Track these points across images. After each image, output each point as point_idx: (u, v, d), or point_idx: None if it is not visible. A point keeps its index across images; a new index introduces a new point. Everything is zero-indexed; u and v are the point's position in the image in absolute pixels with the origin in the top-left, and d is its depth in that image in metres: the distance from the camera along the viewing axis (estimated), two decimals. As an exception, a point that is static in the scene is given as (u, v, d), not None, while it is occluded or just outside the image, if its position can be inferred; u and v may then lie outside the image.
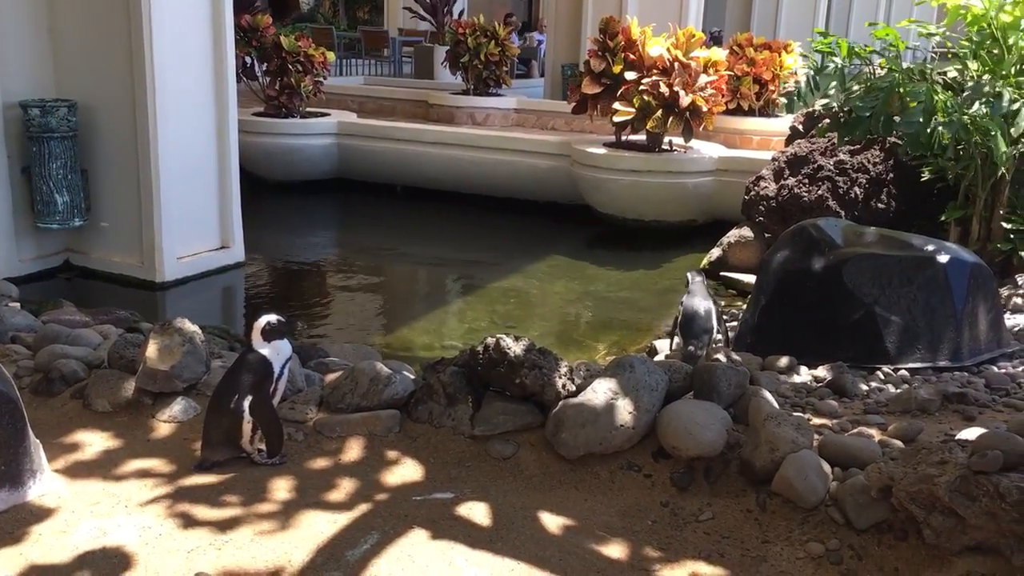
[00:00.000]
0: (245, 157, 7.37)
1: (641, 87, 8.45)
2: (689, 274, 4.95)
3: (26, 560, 2.63)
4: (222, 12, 6.63)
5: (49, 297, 5.77)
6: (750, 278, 6.73)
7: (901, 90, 5.00)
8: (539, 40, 17.95)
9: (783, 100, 6.88)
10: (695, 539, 2.87)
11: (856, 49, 5.85)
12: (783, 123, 9.41)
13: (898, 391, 3.97)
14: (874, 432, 3.38)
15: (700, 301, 4.72)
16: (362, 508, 2.98)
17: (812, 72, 5.89)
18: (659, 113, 8.41)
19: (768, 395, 3.37)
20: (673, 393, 3.46)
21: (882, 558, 2.68)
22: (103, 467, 3.20)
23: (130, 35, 6.15)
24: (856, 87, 5.30)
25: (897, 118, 5.18)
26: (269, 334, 3.23)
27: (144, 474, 3.15)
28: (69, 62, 6.46)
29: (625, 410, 3.25)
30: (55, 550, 2.68)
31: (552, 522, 2.95)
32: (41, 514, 2.88)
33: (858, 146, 6.62)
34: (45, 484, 3.01)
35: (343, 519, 2.90)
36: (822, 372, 4.26)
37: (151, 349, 3.57)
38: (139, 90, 6.23)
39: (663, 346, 5.29)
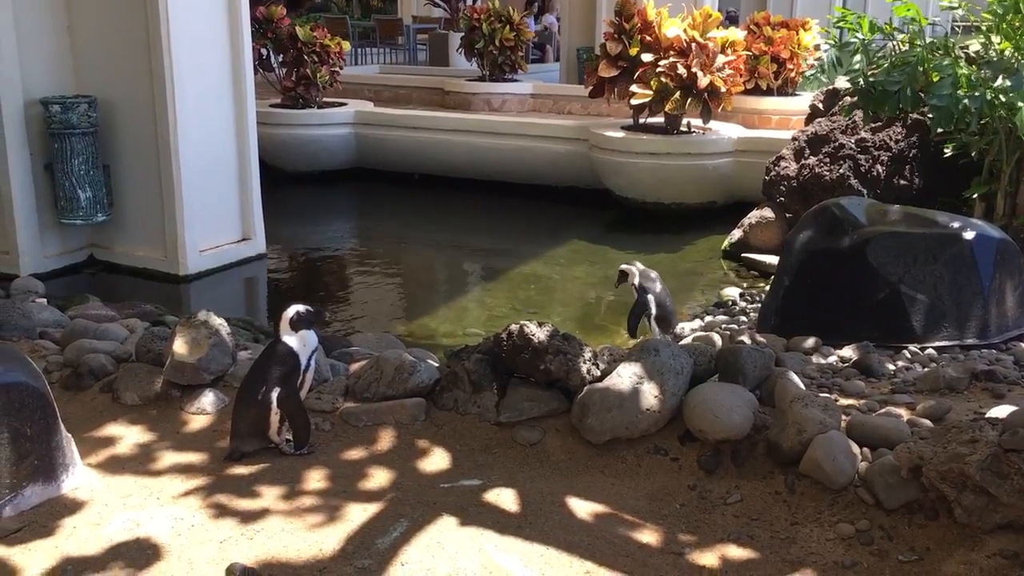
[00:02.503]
0: (263, 149, 7.39)
1: (658, 69, 8.40)
2: (627, 266, 5.15)
3: (61, 552, 2.67)
4: (238, 5, 6.64)
5: (74, 292, 5.84)
6: (772, 259, 6.70)
7: (925, 65, 4.94)
8: (550, 22, 17.84)
9: (808, 76, 6.80)
10: (724, 522, 2.86)
11: (877, 24, 5.78)
12: (802, 102, 9.34)
13: (925, 370, 3.95)
14: (902, 412, 3.36)
15: (661, 290, 5.09)
16: (390, 496, 3.00)
17: (834, 48, 5.83)
18: (677, 95, 8.35)
19: (794, 376, 3.36)
20: (698, 376, 3.45)
21: (913, 538, 2.67)
22: (134, 460, 3.23)
23: (148, 30, 6.17)
24: (882, 62, 5.23)
25: (923, 93, 5.11)
26: (297, 324, 3.24)
27: (175, 466, 3.18)
28: (88, 59, 6.49)
29: (651, 394, 3.25)
30: (89, 542, 2.72)
31: (580, 507, 2.96)
32: (74, 507, 2.91)
33: (879, 123, 6.55)
34: (78, 477, 3.05)
35: (372, 507, 2.91)
36: (848, 352, 4.24)
37: (178, 342, 3.59)
38: (158, 85, 6.25)
39: (687, 329, 5.28)
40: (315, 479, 3.08)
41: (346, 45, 10.78)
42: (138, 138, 6.51)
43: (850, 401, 3.55)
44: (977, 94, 5.14)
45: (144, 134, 6.46)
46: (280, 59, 10.45)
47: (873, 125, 6.56)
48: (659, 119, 8.95)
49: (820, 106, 7.52)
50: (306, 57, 10.11)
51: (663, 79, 8.38)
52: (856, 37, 5.50)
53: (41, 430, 2.91)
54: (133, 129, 6.52)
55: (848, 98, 6.89)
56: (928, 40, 5.56)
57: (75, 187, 6.36)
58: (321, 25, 11.16)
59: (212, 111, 6.64)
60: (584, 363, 3.44)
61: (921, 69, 5.11)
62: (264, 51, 10.40)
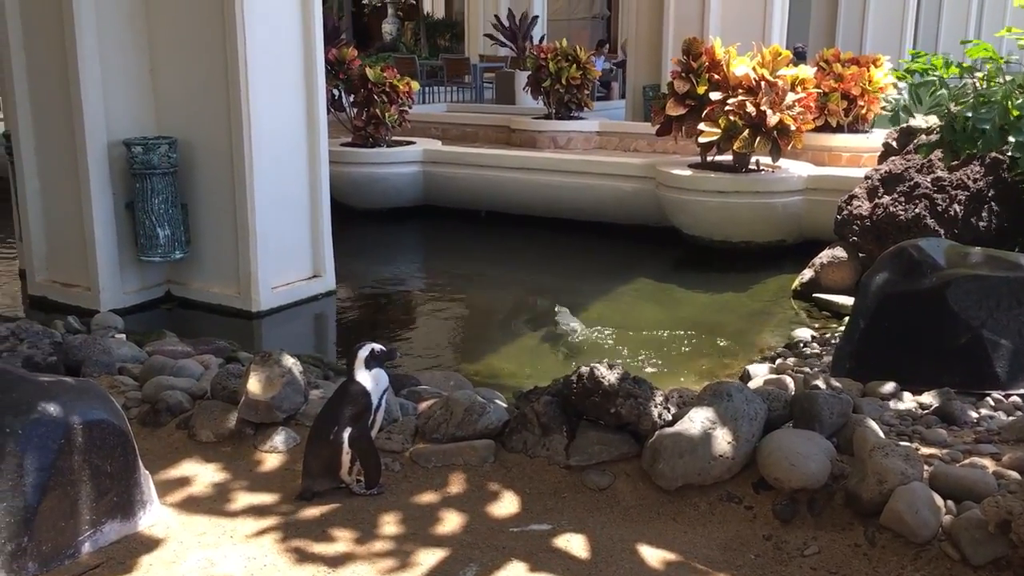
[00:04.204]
0: (334, 187, 7.52)
1: (727, 107, 8.36)
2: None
3: (139, 589, 2.71)
4: (313, 48, 6.81)
5: (152, 328, 5.98)
6: (844, 299, 6.57)
7: (1009, 102, 4.81)
8: (599, 64, 17.71)
9: (887, 112, 6.65)
10: (801, 575, 2.79)
11: (952, 62, 5.66)
12: (873, 139, 9.19)
13: (1011, 418, 3.81)
14: (987, 462, 3.24)
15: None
16: (460, 539, 2.99)
17: (911, 85, 5.71)
18: (746, 133, 8.29)
19: (873, 424, 3.27)
20: (772, 422, 3.38)
21: (1002, 597, 2.56)
22: (209, 497, 3.28)
23: (227, 73, 6.36)
24: (964, 100, 5.10)
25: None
26: (370, 362, 3.27)
27: (248, 505, 3.22)
28: (169, 101, 6.71)
29: (724, 440, 3.19)
30: (166, 580, 2.76)
31: (652, 555, 2.91)
32: (151, 544, 2.96)
33: (956, 162, 6.40)
34: (154, 514, 3.10)
35: (442, 551, 2.91)
36: (928, 399, 4.12)
37: (252, 381, 3.65)
38: (235, 126, 6.42)
39: (757, 371, 5.19)
40: (386, 521, 3.08)
41: (415, 85, 10.95)
42: (215, 177, 6.68)
43: (932, 450, 3.44)
44: (1060, 133, 4.98)
45: (221, 174, 6.63)
46: (351, 99, 10.66)
47: (950, 164, 6.41)
48: (727, 157, 8.89)
49: (894, 144, 7.39)
50: (376, 97, 10.30)
51: (731, 117, 8.33)
52: (934, 75, 5.40)
53: (121, 467, 2.97)
54: (210, 169, 6.70)
55: (925, 136, 6.76)
56: (1008, 78, 5.43)
57: (155, 225, 6.54)
58: (391, 65, 11.37)
59: (286, 151, 6.79)
60: (655, 407, 3.40)
61: (1008, 104, 4.97)
62: (336, 92, 10.62)
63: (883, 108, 9.61)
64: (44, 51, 6.44)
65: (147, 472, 3.16)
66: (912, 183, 6.61)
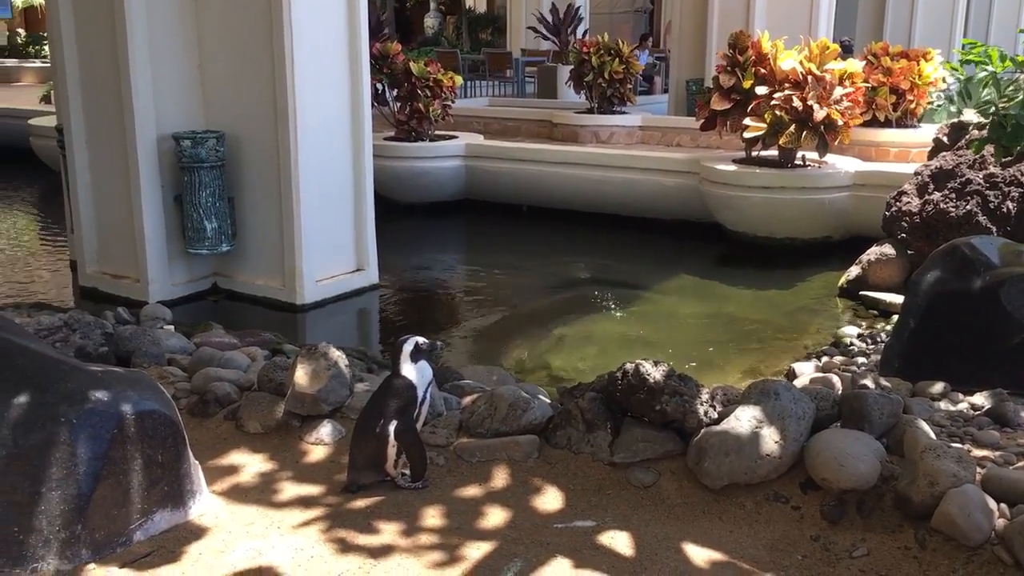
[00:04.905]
0: (377, 181, 7.56)
1: (773, 102, 8.26)
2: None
3: (188, 578, 2.75)
4: (359, 44, 6.84)
5: (199, 319, 6.06)
6: (892, 297, 6.47)
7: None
8: (643, 59, 17.58)
9: (935, 108, 6.53)
10: (850, 577, 2.75)
11: (1008, 55, 5.53)
12: (922, 134, 9.03)
13: (1066, 421, 3.72)
14: (1042, 466, 3.17)
15: None
16: (505, 534, 2.99)
17: (962, 80, 5.60)
18: (792, 128, 8.19)
19: (925, 425, 3.22)
20: (820, 421, 3.34)
21: (1059, 604, 2.51)
22: (256, 488, 3.32)
23: (273, 69, 6.41)
24: (1015, 95, 4.99)
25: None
26: (415, 356, 3.28)
27: (294, 496, 3.25)
28: (216, 95, 6.79)
29: (771, 439, 3.16)
30: (214, 569, 2.80)
31: (697, 554, 2.89)
32: (200, 533, 3.01)
33: (1010, 158, 6.26)
34: (203, 504, 3.15)
35: (487, 545, 2.91)
36: (979, 399, 4.04)
37: (299, 373, 3.69)
38: (281, 121, 6.48)
39: (802, 369, 5.13)
40: (431, 514, 3.10)
41: (458, 79, 10.97)
42: (261, 171, 6.75)
43: (984, 452, 3.37)
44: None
45: (267, 168, 6.69)
46: (394, 93, 10.71)
47: (1003, 160, 6.28)
48: (772, 152, 8.79)
49: (944, 139, 7.25)
50: (419, 91, 10.33)
51: (777, 112, 8.23)
52: (986, 69, 5.28)
53: (171, 457, 3.02)
54: (256, 163, 6.77)
55: (976, 131, 6.62)
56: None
57: (202, 218, 6.63)
58: (434, 60, 11.40)
59: (331, 145, 6.84)
60: (701, 404, 3.38)
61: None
62: (379, 86, 10.68)
63: (932, 103, 9.44)
64: (95, 46, 6.55)
65: (196, 462, 3.20)
66: (964, 179, 6.49)
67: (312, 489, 3.29)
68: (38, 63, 24.29)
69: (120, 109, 6.47)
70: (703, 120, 9.16)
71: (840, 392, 3.86)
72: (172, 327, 5.42)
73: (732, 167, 8.71)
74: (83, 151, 6.84)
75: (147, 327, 5.22)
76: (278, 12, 6.29)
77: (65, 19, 6.58)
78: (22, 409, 2.82)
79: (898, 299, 6.12)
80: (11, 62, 25.24)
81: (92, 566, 2.76)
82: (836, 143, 8.47)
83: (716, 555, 2.88)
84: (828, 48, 8.49)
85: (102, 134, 6.72)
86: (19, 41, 27.85)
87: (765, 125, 8.33)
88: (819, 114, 8.11)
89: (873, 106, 9.48)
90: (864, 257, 6.97)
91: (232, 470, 3.45)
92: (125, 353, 4.72)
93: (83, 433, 2.81)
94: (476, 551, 2.88)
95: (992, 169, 6.37)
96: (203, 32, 6.71)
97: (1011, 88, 5.26)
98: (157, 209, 6.64)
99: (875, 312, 6.60)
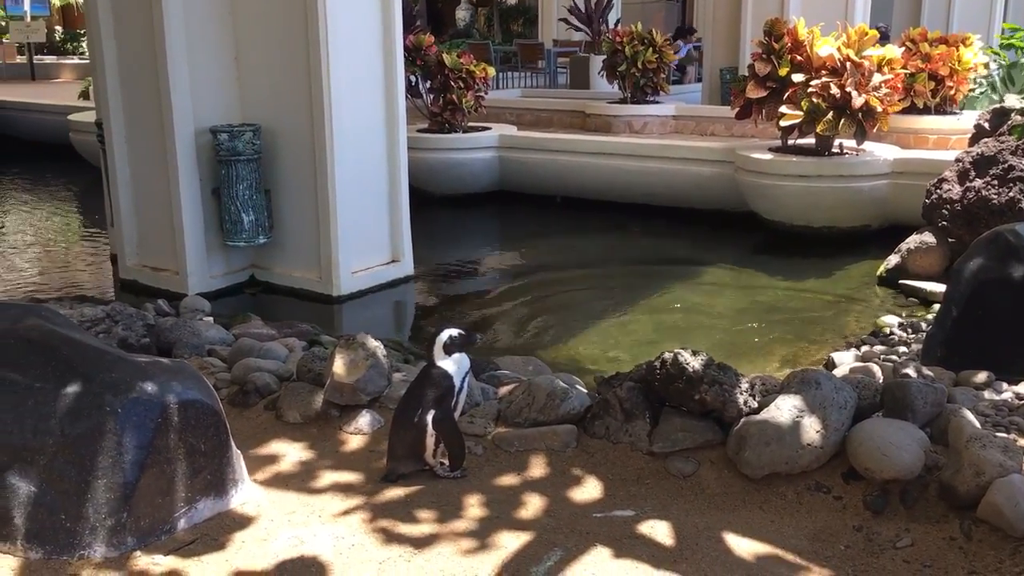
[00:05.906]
0: (411, 172, 7.57)
1: (810, 89, 8.16)
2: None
3: (232, 566, 2.78)
4: (393, 37, 6.86)
5: (237, 311, 6.13)
6: (933, 286, 6.38)
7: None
8: (684, 50, 17.43)
9: (976, 94, 6.42)
10: (894, 567, 2.72)
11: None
12: (962, 121, 8.88)
13: (1114, 411, 3.65)
14: (1091, 456, 3.11)
15: None
16: (544, 524, 2.99)
17: (1004, 65, 5.51)
18: (829, 115, 8.08)
19: (969, 414, 3.17)
20: (862, 411, 3.31)
21: (1110, 596, 2.46)
22: (297, 477, 3.35)
23: (309, 62, 6.45)
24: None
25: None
26: (450, 348, 3.29)
27: (335, 484, 3.28)
28: (253, 89, 6.84)
29: (812, 428, 3.14)
30: (257, 558, 2.83)
31: (738, 544, 2.87)
32: (243, 522, 3.04)
33: (1054, 143, 6.15)
34: (245, 493, 3.18)
35: (526, 535, 2.92)
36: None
37: (338, 363, 3.71)
38: (317, 113, 6.51)
39: (842, 359, 5.08)
40: (470, 504, 3.11)
41: (491, 71, 10.96)
42: (297, 164, 6.80)
43: (1030, 442, 3.32)
44: None
45: (303, 160, 6.74)
46: (428, 85, 10.72)
47: (1047, 145, 6.17)
48: (809, 140, 8.68)
49: (986, 125, 7.13)
50: (452, 83, 10.34)
51: (814, 99, 8.13)
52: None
53: (214, 446, 3.06)
54: (292, 155, 6.81)
55: (1018, 117, 6.51)
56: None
57: (240, 211, 6.69)
58: (467, 51, 11.39)
59: (366, 138, 6.86)
60: (741, 394, 3.36)
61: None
62: (413, 78, 10.69)
63: (974, 90, 9.28)
64: (134, 41, 6.62)
65: (238, 451, 3.24)
66: (1006, 165, 6.37)
67: (351, 478, 3.31)
68: (76, 59, 24.69)
69: (158, 104, 6.55)
70: (738, 108, 9.07)
71: (881, 381, 3.81)
72: (211, 319, 5.48)
73: (768, 155, 8.62)
74: (122, 146, 6.92)
75: (187, 319, 5.29)
76: (313, 5, 6.31)
77: (104, 16, 6.66)
78: (69, 399, 2.87)
79: (938, 287, 6.04)
80: (50, 59, 25.66)
81: (137, 553, 2.81)
82: (874, 130, 8.35)
83: (758, 545, 2.86)
84: (867, 34, 8.37)
85: (141, 129, 6.80)
86: (57, 38, 28.28)
87: (802, 113, 8.23)
88: (857, 101, 7.99)
89: (912, 93, 9.33)
90: (903, 245, 6.87)
91: (273, 459, 3.48)
92: (166, 344, 4.79)
93: (128, 422, 2.85)
94: (515, 540, 2.89)
95: (1036, 155, 6.25)
96: (239, 26, 6.76)
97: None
98: (195, 202, 6.70)
99: (915, 301, 6.51)
